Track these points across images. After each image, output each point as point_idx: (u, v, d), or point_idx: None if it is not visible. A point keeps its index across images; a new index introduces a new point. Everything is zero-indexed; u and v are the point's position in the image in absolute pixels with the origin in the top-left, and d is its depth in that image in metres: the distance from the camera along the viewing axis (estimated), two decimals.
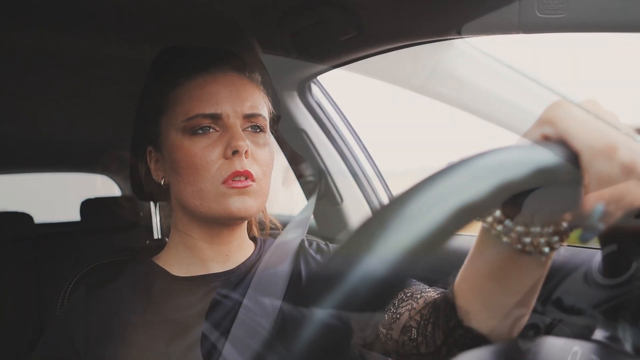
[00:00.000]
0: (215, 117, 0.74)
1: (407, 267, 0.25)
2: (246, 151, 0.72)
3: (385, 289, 0.25)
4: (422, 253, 0.26)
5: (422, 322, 0.62)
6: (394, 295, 0.24)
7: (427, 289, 0.68)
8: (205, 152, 0.72)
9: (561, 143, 0.35)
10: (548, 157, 0.32)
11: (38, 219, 2.58)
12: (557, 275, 0.88)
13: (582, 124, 0.35)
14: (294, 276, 0.82)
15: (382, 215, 0.26)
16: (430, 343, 0.60)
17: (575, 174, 0.33)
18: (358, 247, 0.25)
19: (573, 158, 0.34)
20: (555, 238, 0.43)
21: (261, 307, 0.75)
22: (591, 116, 0.37)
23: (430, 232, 0.26)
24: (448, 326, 0.56)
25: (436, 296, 0.64)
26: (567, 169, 0.33)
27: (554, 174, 0.32)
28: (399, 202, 0.27)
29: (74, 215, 2.67)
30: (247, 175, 0.72)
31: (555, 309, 0.87)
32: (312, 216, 1.16)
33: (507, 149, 0.31)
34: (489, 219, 0.45)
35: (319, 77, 1.37)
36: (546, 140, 0.36)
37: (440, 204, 0.27)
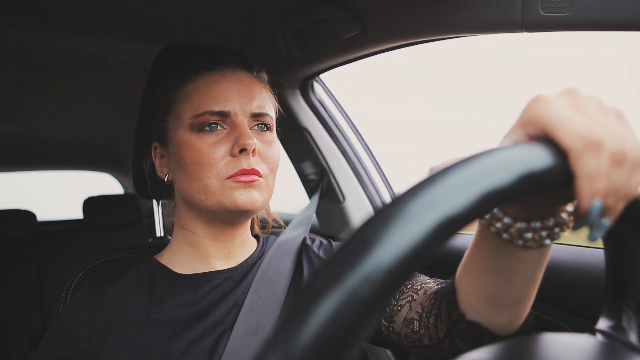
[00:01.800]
0: (224, 115, 0.74)
1: (390, 285, 0.25)
2: (254, 149, 0.73)
3: (370, 308, 0.24)
4: (405, 271, 0.25)
5: (423, 314, 0.62)
6: (381, 312, 0.24)
7: (427, 280, 0.68)
8: (213, 149, 0.73)
9: (546, 141, 0.33)
10: (535, 158, 0.31)
11: (41, 216, 2.59)
12: (561, 274, 0.87)
13: (565, 121, 0.33)
14: (297, 273, 0.82)
15: (364, 234, 0.26)
16: (433, 335, 0.60)
17: (566, 173, 0.32)
18: (342, 267, 0.25)
19: (561, 156, 0.32)
20: (557, 229, 0.42)
21: (264, 304, 0.75)
22: (572, 109, 0.35)
23: (412, 250, 0.25)
24: (450, 319, 0.56)
25: (436, 287, 0.64)
26: (556, 169, 0.31)
27: (544, 177, 0.30)
28: (380, 219, 0.26)
29: (77, 213, 2.68)
30: (254, 173, 0.73)
31: (558, 308, 0.87)
32: (314, 214, 1.17)
33: (490, 153, 0.29)
34: (487, 217, 0.44)
35: (322, 75, 1.37)
36: (530, 140, 0.34)
37: (421, 219, 0.26)
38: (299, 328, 0.24)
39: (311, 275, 0.26)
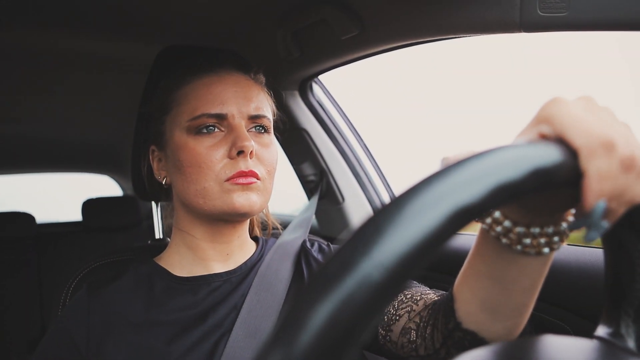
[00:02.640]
0: (221, 117, 0.74)
1: (403, 271, 0.25)
2: (251, 152, 0.73)
3: (382, 294, 0.24)
4: (418, 258, 0.25)
5: (421, 324, 0.62)
6: (392, 299, 0.24)
7: (427, 291, 0.67)
8: (210, 152, 0.72)
9: (559, 141, 0.34)
10: (546, 156, 0.31)
11: (40, 218, 2.58)
12: (561, 274, 0.87)
13: (579, 121, 0.34)
14: (296, 276, 0.82)
15: (377, 220, 0.26)
16: (429, 345, 0.60)
17: (574, 172, 0.33)
18: (354, 252, 0.25)
19: (572, 155, 0.33)
20: (556, 238, 0.43)
21: (263, 307, 0.75)
22: (587, 112, 0.36)
23: (425, 236, 0.25)
24: (447, 328, 0.56)
25: (436, 298, 0.63)
26: (566, 167, 0.32)
27: (553, 174, 0.31)
28: (394, 206, 0.26)
29: (76, 215, 2.68)
30: (252, 175, 0.73)
31: (558, 307, 0.87)
32: (313, 216, 1.17)
33: (503, 149, 0.30)
34: (488, 220, 0.44)
35: (320, 77, 1.37)
36: (543, 138, 0.35)
37: (435, 207, 0.26)
38: (311, 314, 0.23)
39: (325, 259, 0.26)
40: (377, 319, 0.25)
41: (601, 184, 0.33)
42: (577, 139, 0.33)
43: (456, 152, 0.32)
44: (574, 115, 0.35)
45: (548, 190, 0.31)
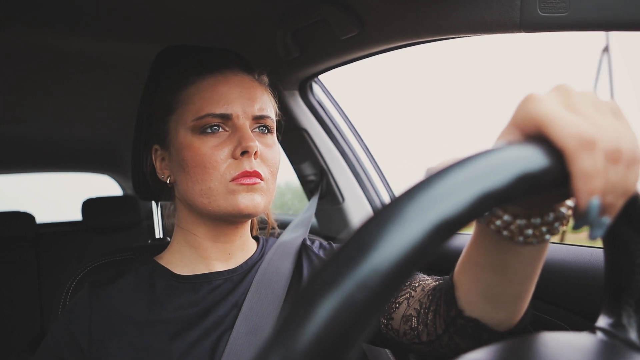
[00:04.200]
0: (226, 117, 0.74)
1: (387, 289, 0.25)
2: (255, 152, 0.73)
3: (366, 314, 0.24)
4: (402, 275, 0.25)
5: (422, 310, 0.62)
6: (378, 316, 0.24)
7: (425, 277, 0.68)
8: (215, 151, 0.73)
9: (541, 141, 0.33)
10: (530, 159, 0.30)
11: (40, 218, 2.58)
12: (559, 273, 0.88)
13: (557, 120, 0.33)
14: (296, 274, 0.82)
15: (360, 238, 0.26)
16: (431, 331, 0.60)
17: (562, 173, 0.32)
18: (337, 271, 0.25)
19: (556, 156, 0.32)
20: (557, 224, 0.42)
21: (263, 304, 0.76)
22: (565, 108, 0.35)
23: (409, 253, 0.25)
24: (449, 315, 0.57)
25: (434, 284, 0.64)
26: (552, 170, 0.31)
27: (540, 177, 0.30)
28: (376, 222, 0.26)
29: (76, 215, 2.68)
30: (256, 175, 0.73)
31: (556, 306, 0.88)
32: (313, 216, 1.17)
33: (485, 155, 0.29)
34: (487, 214, 0.44)
35: (320, 76, 1.37)
36: (525, 140, 0.34)
37: (418, 222, 0.25)
38: (295, 335, 0.23)
39: (307, 280, 0.25)
40: (365, 335, 0.25)
41: (590, 183, 0.32)
42: (559, 140, 0.32)
43: (440, 161, 0.31)
44: (552, 115, 0.33)
45: (538, 194, 0.31)
